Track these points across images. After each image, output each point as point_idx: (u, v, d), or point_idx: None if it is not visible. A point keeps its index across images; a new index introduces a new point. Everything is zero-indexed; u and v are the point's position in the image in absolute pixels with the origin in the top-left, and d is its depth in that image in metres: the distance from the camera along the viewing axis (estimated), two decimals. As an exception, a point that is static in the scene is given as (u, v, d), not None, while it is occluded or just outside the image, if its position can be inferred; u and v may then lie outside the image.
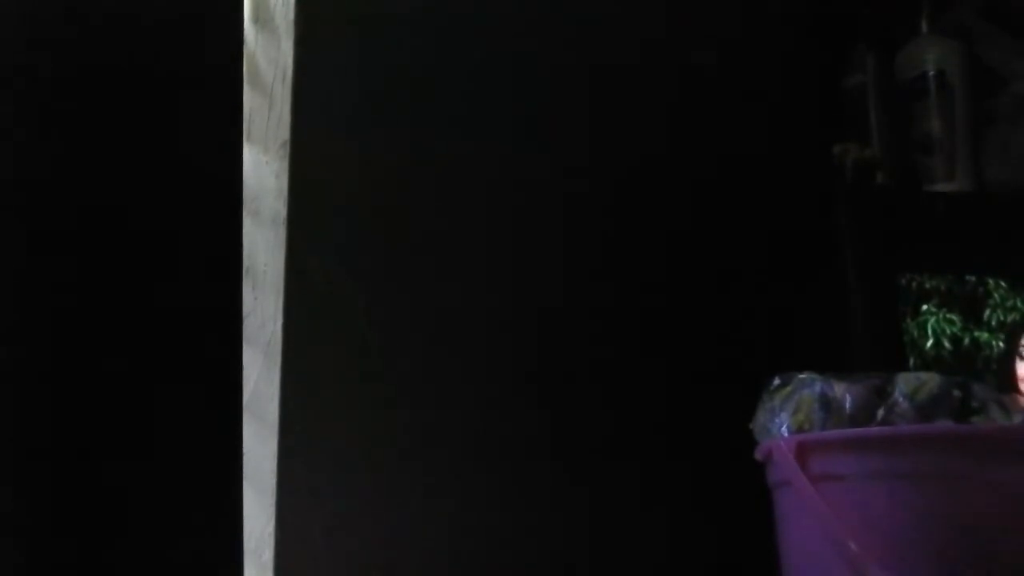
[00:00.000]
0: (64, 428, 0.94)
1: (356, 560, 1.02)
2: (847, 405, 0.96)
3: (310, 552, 1.00)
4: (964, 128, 1.31)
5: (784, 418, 0.98)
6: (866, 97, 1.32)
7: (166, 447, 0.96)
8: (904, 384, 0.96)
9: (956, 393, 0.95)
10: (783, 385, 1.01)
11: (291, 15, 1.05)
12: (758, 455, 1.00)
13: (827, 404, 0.96)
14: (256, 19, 1.05)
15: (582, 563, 1.08)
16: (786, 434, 0.97)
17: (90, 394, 0.95)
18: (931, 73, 1.32)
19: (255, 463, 0.99)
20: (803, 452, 0.92)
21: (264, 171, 1.04)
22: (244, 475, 0.99)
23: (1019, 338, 1.81)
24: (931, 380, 0.96)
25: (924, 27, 1.35)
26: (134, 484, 0.95)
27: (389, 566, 1.02)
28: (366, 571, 1.02)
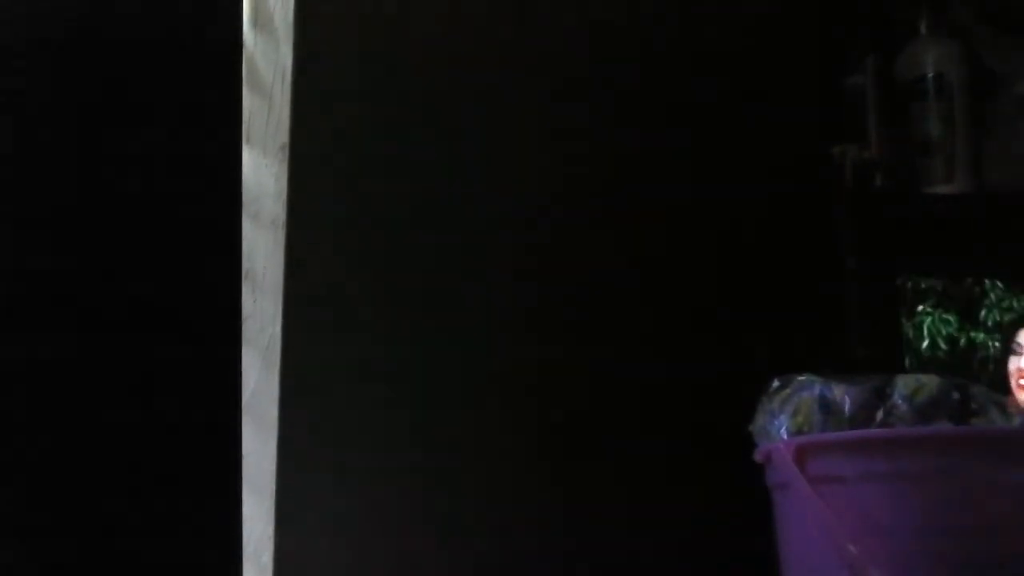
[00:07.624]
0: (64, 430, 0.94)
1: (356, 561, 1.02)
2: (846, 407, 0.96)
3: (310, 554, 1.00)
4: (963, 130, 1.31)
5: (783, 420, 0.98)
6: (865, 99, 1.32)
7: (166, 448, 0.96)
8: (903, 386, 0.96)
9: (955, 395, 0.95)
10: (782, 387, 1.01)
11: (290, 17, 1.05)
12: (757, 457, 1.00)
13: (826, 406, 0.96)
14: (255, 21, 1.04)
15: (582, 563, 1.08)
16: (785, 436, 0.97)
17: (90, 395, 0.95)
18: (930, 75, 1.32)
19: (255, 464, 0.99)
20: (802, 454, 0.92)
21: (263, 173, 1.03)
22: (244, 476, 0.99)
23: (1013, 336, 1.81)
24: (930, 382, 0.96)
25: (923, 29, 1.35)
26: (134, 485, 0.95)
27: (389, 567, 1.02)
28: (366, 572, 1.02)
